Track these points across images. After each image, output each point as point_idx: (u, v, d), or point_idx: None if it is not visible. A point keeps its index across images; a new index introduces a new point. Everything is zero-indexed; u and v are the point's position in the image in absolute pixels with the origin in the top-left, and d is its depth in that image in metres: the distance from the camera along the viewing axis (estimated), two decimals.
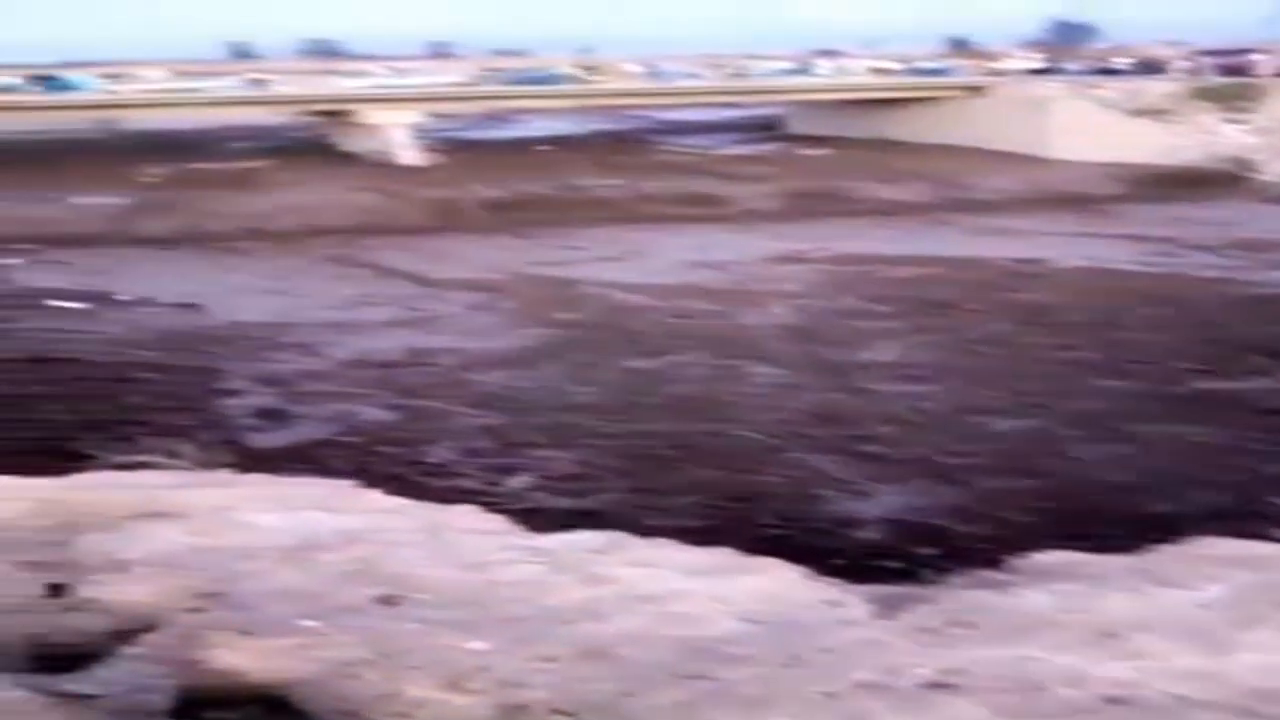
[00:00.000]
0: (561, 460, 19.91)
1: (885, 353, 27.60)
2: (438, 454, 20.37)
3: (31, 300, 35.47)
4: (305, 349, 29.26)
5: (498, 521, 7.43)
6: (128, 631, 5.53)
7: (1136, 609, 6.63)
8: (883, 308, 32.54)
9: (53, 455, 16.27)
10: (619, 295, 34.92)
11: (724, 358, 26.99)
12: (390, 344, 29.56)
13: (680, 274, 38.58)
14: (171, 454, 9.07)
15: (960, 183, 55.90)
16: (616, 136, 73.69)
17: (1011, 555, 8.51)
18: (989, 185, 55.47)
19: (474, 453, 20.17)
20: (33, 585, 5.85)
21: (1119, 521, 14.23)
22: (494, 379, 25.82)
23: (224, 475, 8.68)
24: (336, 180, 55.25)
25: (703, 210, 52.91)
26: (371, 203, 52.56)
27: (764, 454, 19.80)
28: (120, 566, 6.25)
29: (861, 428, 21.18)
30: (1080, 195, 53.67)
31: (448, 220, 50.90)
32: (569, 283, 37.18)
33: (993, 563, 8.50)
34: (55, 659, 5.20)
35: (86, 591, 5.87)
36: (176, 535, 6.81)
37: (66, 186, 52.87)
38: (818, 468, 19.09)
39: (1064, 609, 6.79)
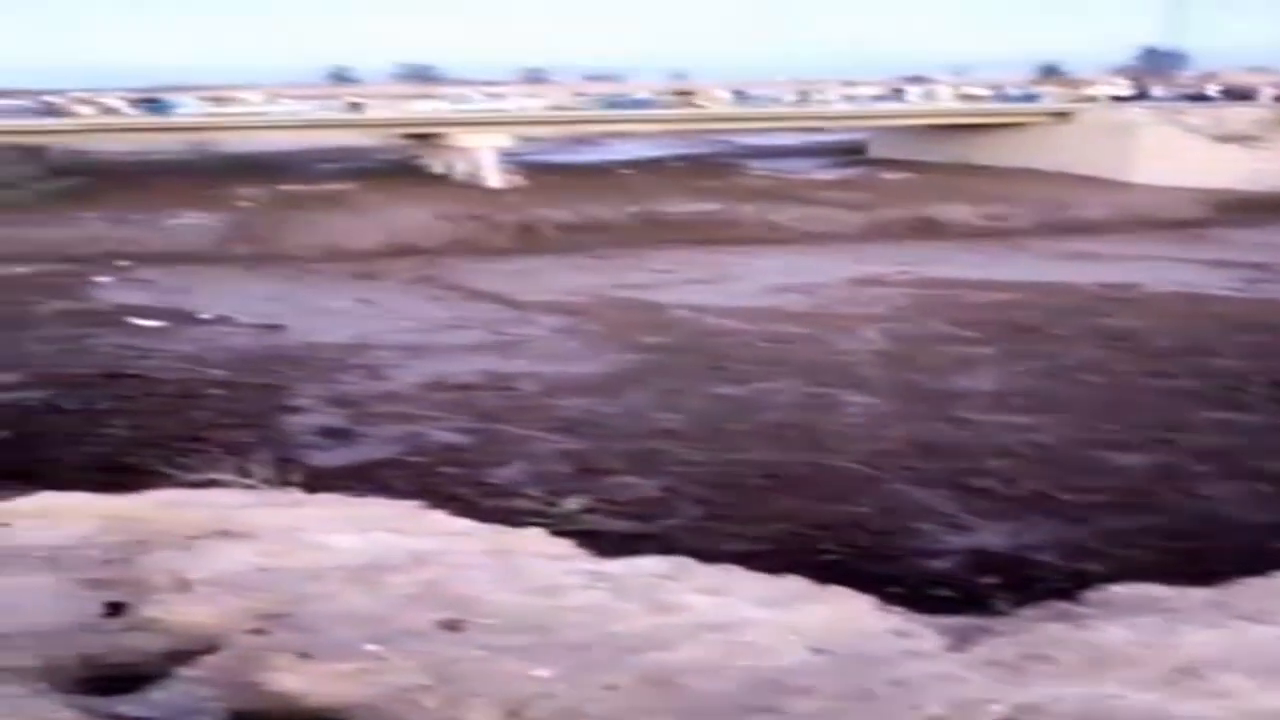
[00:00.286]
0: (644, 487, 19.47)
1: (982, 381, 26.95)
2: (516, 478, 19.99)
3: (114, 317, 35.91)
4: (384, 370, 29.21)
5: (565, 545, 7.25)
6: (186, 653, 5.41)
7: (1218, 645, 6.29)
8: (971, 333, 31.98)
9: (124, 472, 16.34)
10: (708, 319, 34.93)
11: (816, 384, 26.54)
12: (472, 367, 29.60)
13: (767, 297, 38.32)
14: (243, 472, 8.99)
15: (1044, 206, 55.24)
16: (701, 160, 73.80)
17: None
18: (1073, 209, 54.74)
19: (551, 478, 19.81)
20: (93, 604, 5.76)
21: (1257, 557, 13.56)
22: (577, 404, 25.58)
23: (294, 494, 8.58)
24: (424, 202, 55.74)
25: (786, 233, 52.68)
26: (458, 224, 52.94)
27: (861, 485, 19.20)
28: (184, 586, 6.15)
29: (968, 460, 20.53)
30: (1166, 220, 52.77)
31: (532, 242, 51.14)
32: (656, 306, 37.07)
33: (1066, 595, 8.17)
34: (109, 680, 5.09)
35: (147, 611, 5.77)
36: (244, 555, 6.70)
37: (161, 207, 53.89)
38: (922, 501, 18.38)
39: (1142, 644, 6.47)
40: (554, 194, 57.94)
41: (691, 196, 58.23)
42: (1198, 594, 7.88)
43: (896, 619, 6.59)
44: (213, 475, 8.93)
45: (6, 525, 7.00)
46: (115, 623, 5.64)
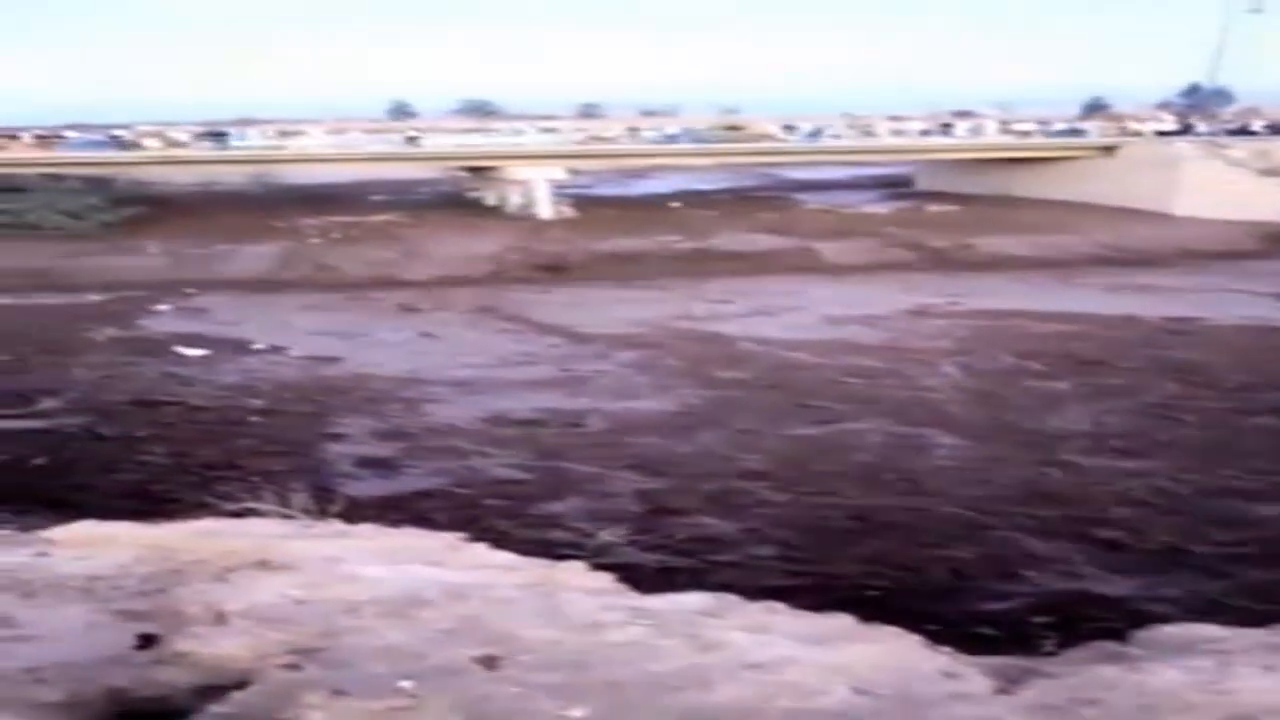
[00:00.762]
0: (722, 528, 18.73)
1: (1073, 420, 25.86)
2: (579, 516, 19.32)
3: (165, 346, 35.87)
4: (439, 404, 28.82)
5: (606, 580, 7.02)
6: (217, 688, 5.23)
7: (1274, 689, 5.97)
8: (1038, 365, 31.10)
9: (162, 501, 16.16)
10: (777, 352, 34.33)
11: (902, 423, 25.54)
12: (534, 403, 28.59)
13: (830, 330, 37.74)
14: (283, 501, 8.82)
15: (1091, 238, 54.66)
16: (748, 193, 73.71)
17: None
18: (1121, 241, 54.10)
19: (623, 517, 18.98)
20: (125, 636, 5.59)
21: None
22: (650, 442, 24.65)
23: (335, 525, 8.40)
24: (480, 233, 55.94)
25: (835, 264, 52.34)
26: (514, 254, 52.97)
27: (967, 531, 18.03)
28: (219, 618, 5.96)
29: (1088, 508, 19.27)
30: (1215, 251, 52.03)
31: (587, 272, 51.04)
32: (722, 339, 36.79)
33: (1115, 635, 7.82)
34: (136, 715, 4.91)
35: (180, 644, 5.59)
36: (282, 586, 6.52)
37: (220, 236, 54.34)
38: (1039, 551, 17.13)
39: (1196, 687, 6.15)
40: (606, 225, 57.95)
41: (741, 228, 58.09)
42: (1252, 635, 7.55)
43: (944, 659, 6.32)
44: (252, 504, 8.76)
45: (44, 554, 6.86)
46: (146, 656, 5.46)
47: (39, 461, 23.10)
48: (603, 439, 25.11)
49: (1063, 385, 29.23)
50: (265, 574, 6.69)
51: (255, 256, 52.25)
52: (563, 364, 33.68)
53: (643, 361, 33.57)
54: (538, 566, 7.33)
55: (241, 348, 35.49)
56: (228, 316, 41.19)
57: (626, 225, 58.07)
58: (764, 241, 55.78)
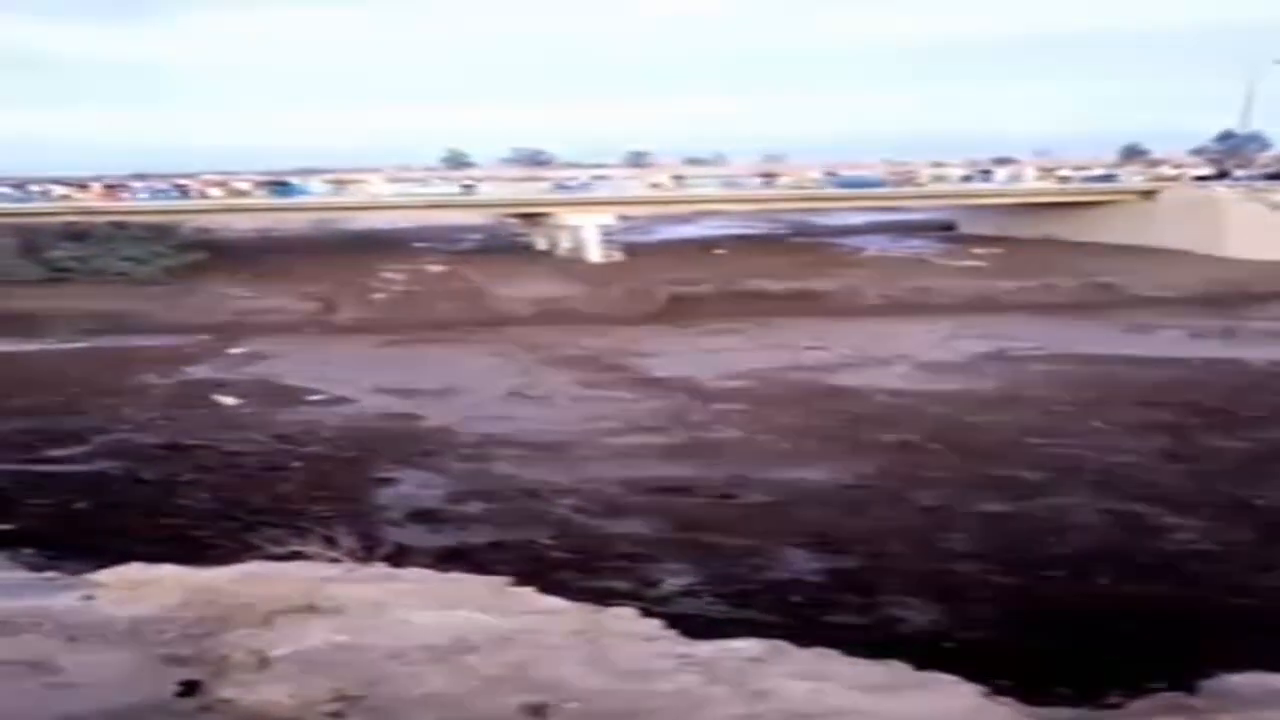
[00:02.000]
0: (936, 611, 16.50)
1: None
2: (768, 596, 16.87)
3: (218, 388, 34.99)
4: (561, 465, 25.53)
5: (655, 626, 6.71)
6: None
7: None
8: (1168, 416, 29.13)
9: (220, 544, 15.76)
10: (919, 406, 31.19)
11: (1109, 498, 22.25)
12: (670, 469, 25.20)
13: (944, 377, 35.60)
14: (330, 544, 8.59)
15: (1144, 279, 53.66)
16: (793, 237, 73.17)
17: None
18: (1176, 281, 53.05)
19: (845, 608, 16.77)
20: (167, 683, 5.36)
21: None
22: (821, 517, 21.21)
23: (382, 569, 8.15)
24: (538, 276, 55.55)
25: (897, 305, 50.97)
26: (578, 297, 52.21)
27: None
28: (264, 664, 5.73)
29: None
30: (1272, 292, 50.34)
31: (660, 314, 49.84)
32: (851, 392, 33.60)
33: (1179, 685, 7.39)
34: None
35: (223, 691, 5.35)
36: (327, 632, 6.27)
37: (279, 281, 54.38)
38: None
39: None
40: (658, 269, 57.41)
41: (791, 271, 57.21)
42: None
43: (1005, 710, 5.99)
44: (301, 547, 8.54)
45: (90, 598, 6.67)
46: (188, 703, 5.23)
47: (80, 505, 22.83)
48: (760, 512, 21.69)
49: (1223, 442, 26.65)
50: (311, 618, 6.45)
51: (316, 300, 52.11)
52: (683, 422, 30.19)
53: (778, 420, 29.82)
54: (586, 611, 7.05)
55: (297, 397, 34.17)
56: (290, 363, 40.46)
57: (678, 268, 57.46)
58: (820, 284, 54.78)
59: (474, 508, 22.85)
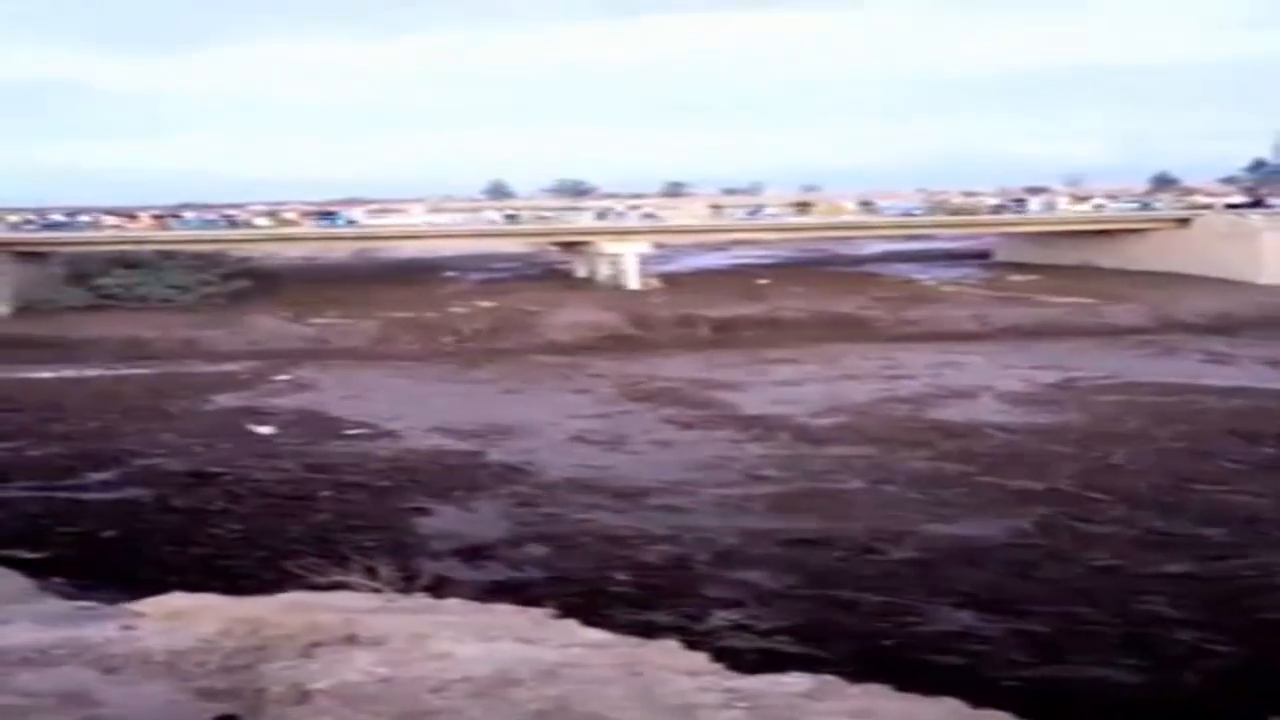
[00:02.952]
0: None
1: None
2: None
3: (257, 416, 34.18)
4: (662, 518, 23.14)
5: (700, 659, 6.48)
6: None
7: None
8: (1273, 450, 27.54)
9: (264, 574, 15.42)
10: (1038, 446, 28.79)
11: None
12: (797, 521, 22.61)
13: (1037, 409, 33.74)
14: (371, 574, 8.40)
15: (1190, 305, 52.92)
16: (827, 265, 72.69)
17: None
18: (1222, 308, 52.28)
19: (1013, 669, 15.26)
20: (204, 716, 5.17)
21: None
22: (980, 577, 19.20)
23: (424, 600, 7.95)
24: (584, 302, 55.08)
25: (947, 331, 50.03)
26: (623, 325, 51.54)
27: None
28: (303, 697, 5.53)
29: None
30: None
31: (709, 341, 49.11)
32: (964, 428, 31.17)
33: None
34: None
35: None
36: (368, 664, 6.07)
37: (322, 309, 54.17)
38: None
39: None
40: (700, 296, 56.96)
41: (835, 299, 56.43)
42: None
43: None
44: (343, 577, 8.35)
45: (130, 627, 6.50)
46: None
47: (108, 534, 22.49)
48: (908, 570, 19.69)
49: None
50: (351, 649, 6.26)
51: (360, 329, 51.76)
52: (798, 469, 27.19)
53: (904, 468, 26.99)
54: (629, 644, 6.81)
55: (345, 429, 33.07)
56: (344, 383, 39.80)
57: (719, 296, 56.96)
58: (867, 312, 54.11)
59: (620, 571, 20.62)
